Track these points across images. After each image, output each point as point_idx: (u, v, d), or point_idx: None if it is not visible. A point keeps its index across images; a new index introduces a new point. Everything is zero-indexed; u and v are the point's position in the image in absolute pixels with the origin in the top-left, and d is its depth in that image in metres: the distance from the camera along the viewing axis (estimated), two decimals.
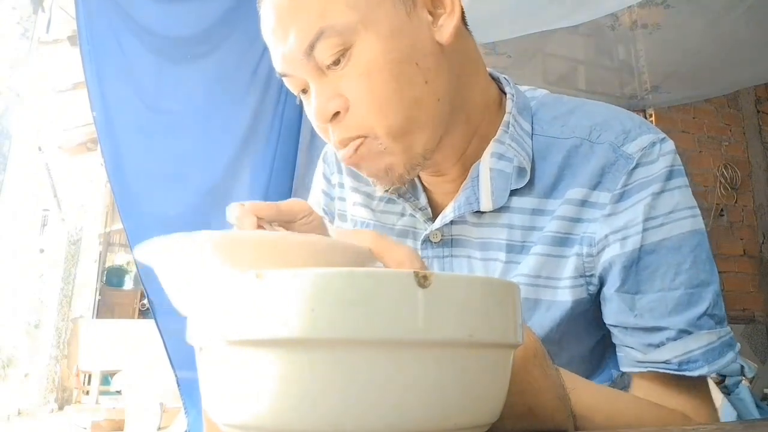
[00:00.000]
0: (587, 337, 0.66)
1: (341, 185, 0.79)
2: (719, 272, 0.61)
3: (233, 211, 0.44)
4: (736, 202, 3.49)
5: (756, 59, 2.52)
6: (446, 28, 0.58)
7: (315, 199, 0.83)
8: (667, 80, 2.81)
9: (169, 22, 2.03)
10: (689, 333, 0.57)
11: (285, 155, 2.12)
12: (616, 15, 2.52)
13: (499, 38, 2.16)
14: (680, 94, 2.94)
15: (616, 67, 2.95)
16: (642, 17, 2.56)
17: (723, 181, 3.46)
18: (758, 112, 3.67)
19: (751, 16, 2.27)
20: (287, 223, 0.48)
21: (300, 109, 2.11)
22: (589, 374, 0.68)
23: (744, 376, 2.30)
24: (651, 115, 3.09)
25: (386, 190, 0.69)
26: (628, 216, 0.58)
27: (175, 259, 0.39)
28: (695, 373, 0.57)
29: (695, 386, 0.59)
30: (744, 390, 2.20)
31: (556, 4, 1.86)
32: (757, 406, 2.18)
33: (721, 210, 3.41)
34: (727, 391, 2.19)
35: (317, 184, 0.83)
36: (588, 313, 0.63)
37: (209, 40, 2.06)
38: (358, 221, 0.76)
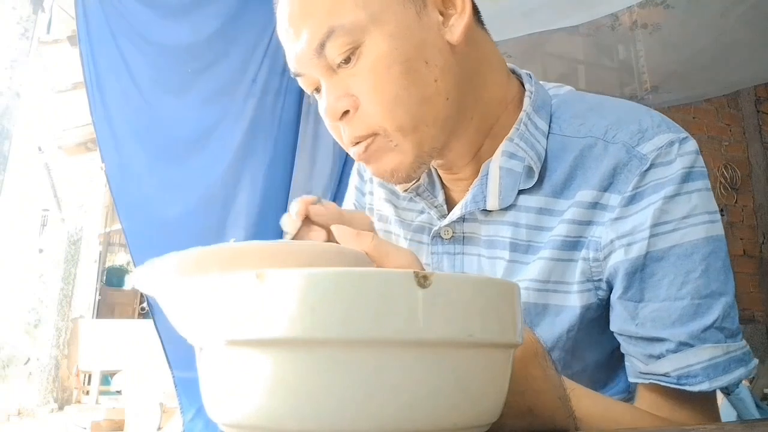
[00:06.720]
0: (602, 345, 0.63)
1: (371, 180, 0.80)
2: None
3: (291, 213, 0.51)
4: (736, 202, 3.49)
5: (756, 59, 2.52)
6: (456, 27, 0.58)
7: (350, 195, 0.84)
8: (667, 80, 2.80)
9: (168, 32, 2.04)
10: (690, 346, 0.54)
11: (282, 161, 2.12)
12: (616, 15, 2.51)
13: (499, 38, 2.15)
14: (680, 94, 2.93)
15: (616, 67, 2.94)
16: (642, 17, 2.56)
17: (723, 181, 3.46)
18: (758, 112, 3.67)
19: (751, 16, 2.26)
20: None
21: (297, 116, 2.12)
22: (606, 382, 0.66)
23: None
24: None
25: (405, 190, 0.70)
26: (636, 221, 0.56)
27: (169, 285, 0.39)
28: (695, 389, 0.54)
29: (700, 401, 0.57)
30: (744, 390, 2.20)
31: (556, 4, 1.86)
32: (757, 406, 2.17)
33: (721, 210, 3.41)
34: (727, 391, 2.19)
35: (352, 181, 0.85)
36: (601, 320, 0.61)
37: (209, 49, 2.06)
38: (382, 216, 0.77)
